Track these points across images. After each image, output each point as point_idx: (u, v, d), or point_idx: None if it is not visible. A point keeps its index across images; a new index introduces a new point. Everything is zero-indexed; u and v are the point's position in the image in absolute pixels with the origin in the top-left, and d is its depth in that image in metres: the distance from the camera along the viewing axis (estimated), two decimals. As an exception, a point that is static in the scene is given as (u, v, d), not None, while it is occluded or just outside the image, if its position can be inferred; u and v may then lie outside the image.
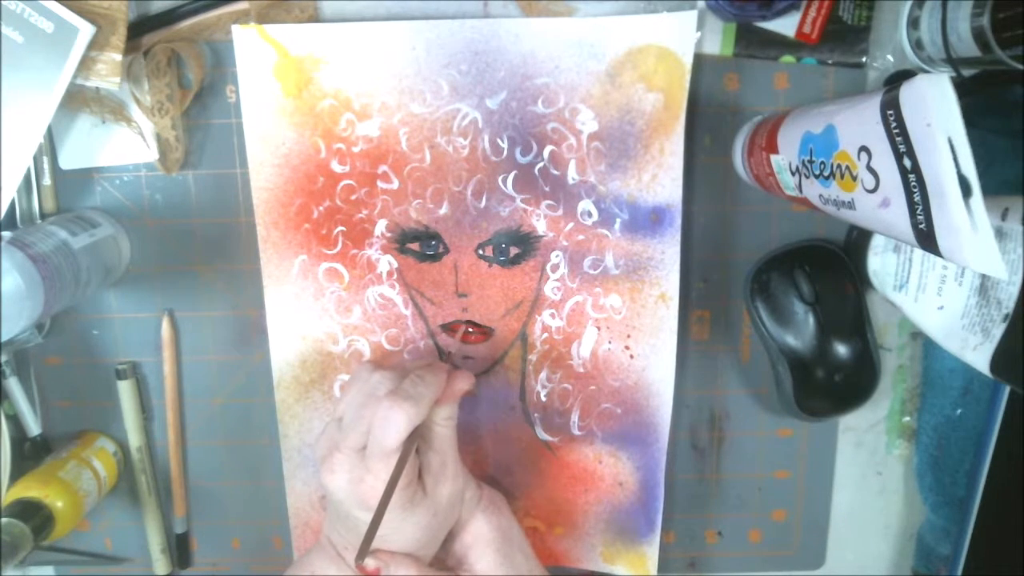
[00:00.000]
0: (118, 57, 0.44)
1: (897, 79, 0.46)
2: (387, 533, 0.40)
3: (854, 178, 0.33)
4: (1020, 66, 0.39)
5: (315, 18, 0.47)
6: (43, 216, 0.49)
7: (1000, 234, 0.39)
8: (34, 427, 0.52)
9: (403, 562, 0.41)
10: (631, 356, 0.51)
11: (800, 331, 0.49)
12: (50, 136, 0.48)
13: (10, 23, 0.42)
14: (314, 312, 0.50)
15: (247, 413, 0.53)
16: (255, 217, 0.49)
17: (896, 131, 0.30)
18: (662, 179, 0.48)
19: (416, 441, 0.40)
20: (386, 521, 0.38)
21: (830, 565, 0.57)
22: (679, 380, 0.51)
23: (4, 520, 0.45)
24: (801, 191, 0.40)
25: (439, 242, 0.49)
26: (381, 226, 0.49)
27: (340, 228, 0.49)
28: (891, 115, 0.30)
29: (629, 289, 0.50)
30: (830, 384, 0.49)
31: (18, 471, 0.49)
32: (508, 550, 0.45)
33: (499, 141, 0.48)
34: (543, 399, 0.52)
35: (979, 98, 0.45)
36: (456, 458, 0.43)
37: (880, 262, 0.48)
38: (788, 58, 0.47)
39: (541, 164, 0.48)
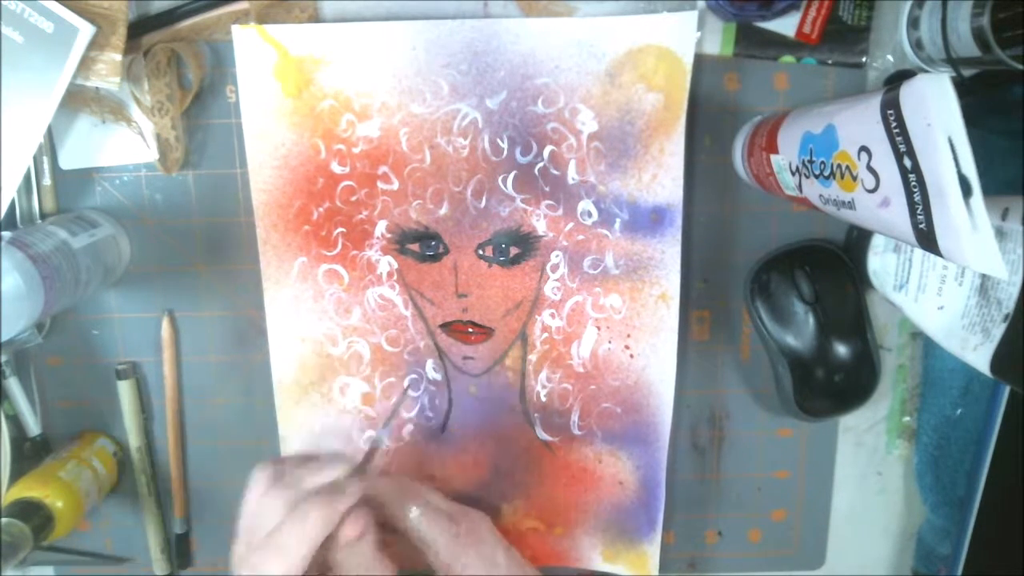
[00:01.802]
0: (118, 57, 0.44)
1: (897, 79, 0.46)
2: None
3: (854, 178, 0.33)
4: (1020, 66, 0.39)
5: (315, 18, 0.47)
6: (43, 216, 0.49)
7: (1000, 234, 0.39)
8: (34, 427, 0.52)
9: None
10: (631, 356, 0.51)
11: (800, 331, 0.49)
12: (50, 136, 0.48)
13: (10, 23, 0.42)
14: (314, 314, 0.50)
15: (247, 413, 0.53)
16: (255, 219, 0.49)
17: (896, 131, 0.30)
18: (662, 179, 0.48)
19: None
20: None
21: (830, 565, 0.57)
22: (679, 380, 0.51)
23: (4, 520, 0.45)
24: (801, 191, 0.40)
25: (439, 242, 0.49)
26: (381, 227, 0.49)
27: (340, 229, 0.49)
28: (891, 115, 0.30)
29: (629, 289, 0.50)
30: (830, 384, 0.49)
31: (18, 471, 0.49)
32: None
33: (499, 141, 0.48)
34: (543, 399, 0.52)
35: (979, 98, 0.45)
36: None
37: (880, 262, 0.48)
38: (788, 58, 0.47)
39: (541, 164, 0.48)
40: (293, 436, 0.52)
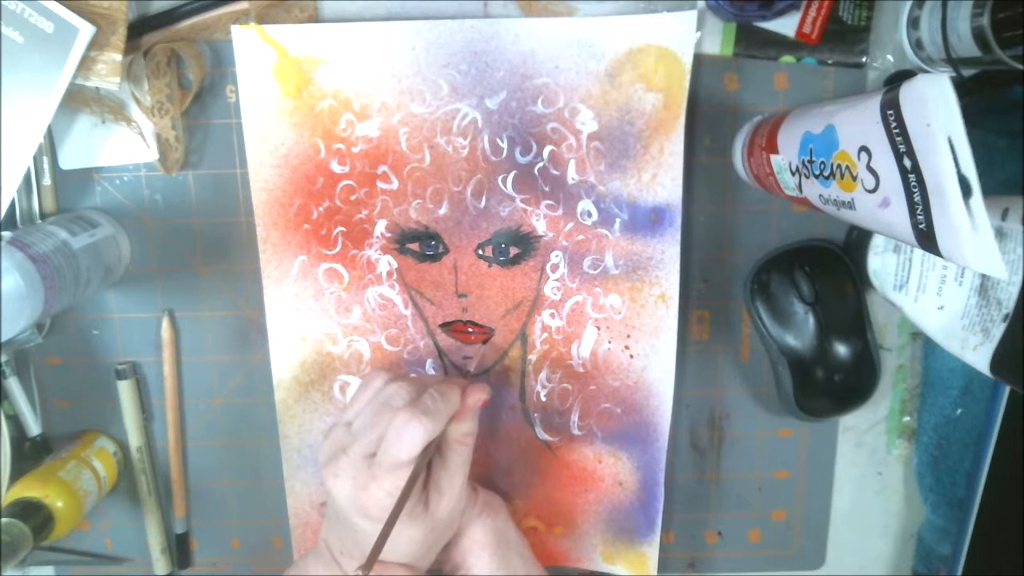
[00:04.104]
0: (118, 57, 0.44)
1: (897, 79, 0.46)
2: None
3: (854, 178, 0.33)
4: (1020, 66, 0.39)
5: (315, 18, 0.47)
6: (43, 216, 0.49)
7: (1000, 234, 0.39)
8: (34, 427, 0.52)
9: (398, 572, 0.41)
10: (631, 356, 0.51)
11: (800, 331, 0.49)
12: (50, 136, 0.48)
13: (10, 23, 0.42)
14: (314, 313, 0.50)
15: (247, 413, 0.53)
16: (255, 218, 0.49)
17: (896, 131, 0.30)
18: (662, 179, 0.48)
19: (429, 456, 0.40)
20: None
21: (830, 565, 0.57)
22: (679, 380, 0.51)
23: (4, 520, 0.45)
24: (801, 191, 0.40)
25: (439, 242, 0.49)
26: (381, 226, 0.49)
27: (340, 228, 0.49)
28: (891, 115, 0.30)
29: (629, 289, 0.50)
30: (830, 384, 0.49)
31: (18, 471, 0.49)
32: (505, 553, 0.45)
33: (499, 141, 0.48)
34: (543, 399, 0.52)
35: (979, 98, 0.45)
36: (466, 478, 0.43)
37: (880, 262, 0.48)
38: (788, 58, 0.47)
39: (541, 164, 0.48)
40: (293, 435, 0.52)
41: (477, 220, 0.49)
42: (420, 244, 0.49)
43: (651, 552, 0.54)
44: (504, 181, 0.48)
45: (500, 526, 0.46)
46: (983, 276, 0.41)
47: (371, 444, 0.40)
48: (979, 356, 0.41)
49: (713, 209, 0.50)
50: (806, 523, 0.56)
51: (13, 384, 0.51)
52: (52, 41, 0.42)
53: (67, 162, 0.49)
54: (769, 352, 0.51)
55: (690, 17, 0.45)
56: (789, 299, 0.49)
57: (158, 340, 0.51)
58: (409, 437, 0.38)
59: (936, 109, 0.28)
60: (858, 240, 0.49)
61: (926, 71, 0.46)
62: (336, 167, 0.48)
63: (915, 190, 0.30)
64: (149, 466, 0.53)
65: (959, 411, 0.52)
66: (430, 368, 0.51)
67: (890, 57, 0.47)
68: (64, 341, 0.51)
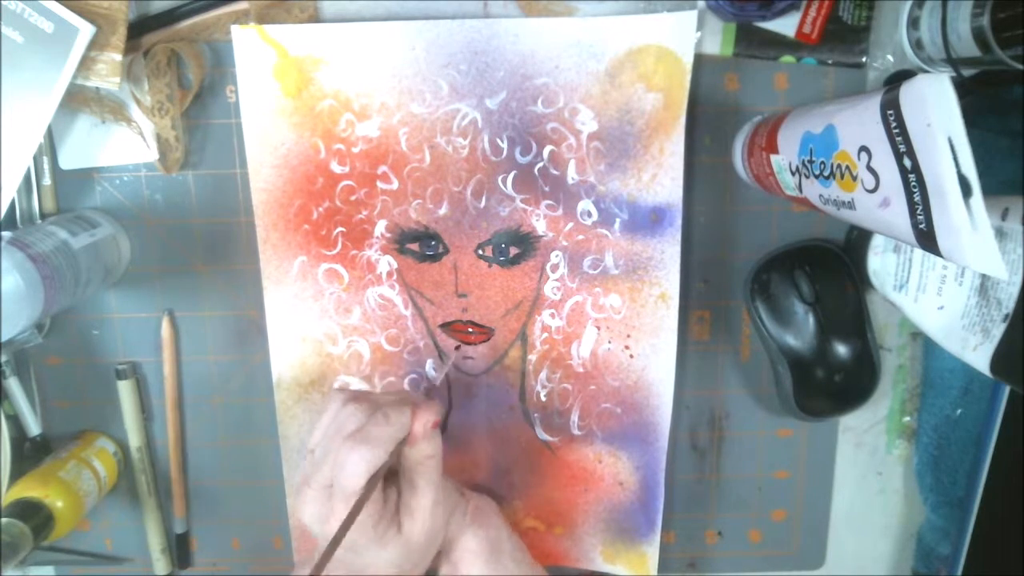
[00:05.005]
0: (118, 57, 0.44)
1: (897, 79, 0.46)
2: (365, 564, 0.39)
3: (854, 178, 0.33)
4: (1020, 66, 0.39)
5: (315, 18, 0.47)
6: (43, 216, 0.49)
7: (1000, 234, 0.39)
8: (34, 427, 0.52)
9: None
10: (631, 356, 0.51)
11: (800, 331, 0.49)
12: (50, 136, 0.48)
13: (10, 23, 0.42)
14: (314, 313, 0.50)
15: (247, 413, 0.53)
16: (255, 218, 0.49)
17: (896, 131, 0.30)
18: (662, 179, 0.48)
19: (377, 483, 0.39)
20: (363, 554, 0.38)
21: (830, 565, 0.57)
22: (679, 380, 0.51)
23: (4, 520, 0.45)
24: (801, 191, 0.40)
25: (439, 242, 0.49)
26: (381, 227, 0.49)
27: (340, 229, 0.49)
28: (891, 115, 0.30)
29: (629, 289, 0.50)
30: (830, 384, 0.49)
31: (18, 471, 0.49)
32: (498, 560, 0.45)
33: (499, 141, 0.48)
34: (543, 399, 0.52)
35: (979, 98, 0.45)
36: (439, 497, 0.42)
37: (880, 262, 0.48)
38: (788, 58, 0.47)
39: (541, 164, 0.48)
40: (293, 436, 0.52)
41: (477, 220, 0.49)
42: (420, 244, 0.49)
43: (651, 552, 0.54)
44: (504, 181, 0.48)
45: (492, 534, 0.46)
46: (983, 276, 0.41)
47: (329, 473, 0.39)
48: (979, 356, 0.41)
49: (713, 209, 0.50)
50: (806, 523, 0.56)
51: (13, 384, 0.51)
52: (52, 41, 0.42)
53: (67, 162, 0.49)
54: (769, 352, 0.51)
55: (690, 17, 0.45)
56: (789, 299, 0.49)
57: (158, 340, 0.51)
58: (351, 467, 0.37)
59: (936, 109, 0.28)
60: (858, 240, 0.49)
61: (926, 71, 0.46)
62: (336, 167, 0.48)
63: (915, 190, 0.30)
64: (149, 466, 0.53)
65: (959, 411, 0.52)
66: (430, 368, 0.51)
67: (890, 57, 0.47)
68: (64, 341, 0.51)
